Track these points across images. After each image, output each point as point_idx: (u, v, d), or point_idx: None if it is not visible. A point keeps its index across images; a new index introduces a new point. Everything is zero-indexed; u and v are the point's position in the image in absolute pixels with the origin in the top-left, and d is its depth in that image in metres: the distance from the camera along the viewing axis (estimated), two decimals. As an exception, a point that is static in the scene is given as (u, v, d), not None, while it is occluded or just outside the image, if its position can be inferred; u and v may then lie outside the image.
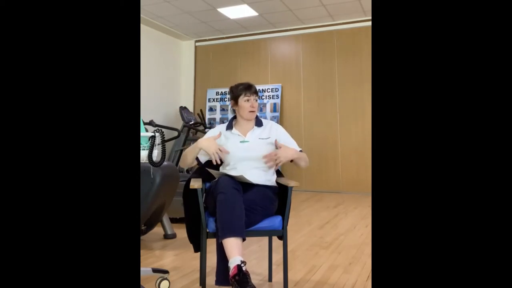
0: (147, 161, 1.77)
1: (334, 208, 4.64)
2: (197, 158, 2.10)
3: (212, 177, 2.08)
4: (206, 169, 2.09)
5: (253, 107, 2.10)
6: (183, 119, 5.94)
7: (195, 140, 5.47)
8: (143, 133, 1.81)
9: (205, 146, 2.02)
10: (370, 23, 5.91)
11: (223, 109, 6.74)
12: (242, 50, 6.80)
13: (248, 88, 2.11)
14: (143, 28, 6.25)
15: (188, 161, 2.07)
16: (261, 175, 2.04)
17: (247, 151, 2.05)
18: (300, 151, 2.10)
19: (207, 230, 1.87)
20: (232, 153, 2.05)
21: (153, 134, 1.76)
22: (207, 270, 2.30)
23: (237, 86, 2.15)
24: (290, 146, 2.08)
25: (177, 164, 5.40)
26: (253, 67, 6.69)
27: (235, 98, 2.13)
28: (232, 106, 2.17)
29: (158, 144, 1.83)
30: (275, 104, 6.39)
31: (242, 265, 1.69)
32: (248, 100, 2.10)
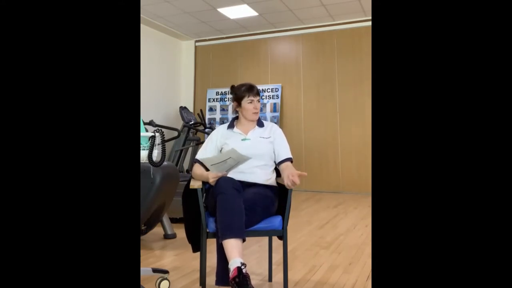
0: (147, 161, 1.77)
1: (334, 208, 4.64)
2: (202, 164, 2.10)
3: None
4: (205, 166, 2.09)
5: (256, 108, 2.12)
6: (183, 119, 5.94)
7: (195, 140, 5.48)
8: (143, 133, 1.81)
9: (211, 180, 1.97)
10: (370, 23, 5.91)
11: (223, 109, 6.74)
12: (242, 50, 6.80)
13: (251, 90, 2.11)
14: (143, 28, 6.25)
15: (199, 182, 2.05)
16: (262, 174, 2.04)
17: (248, 149, 2.05)
18: (291, 158, 2.10)
19: (207, 230, 1.87)
20: None
21: (153, 134, 1.76)
22: (207, 270, 2.30)
23: (239, 87, 2.15)
24: (284, 150, 2.10)
25: (177, 164, 5.40)
26: (253, 67, 6.69)
27: (238, 100, 2.13)
28: (235, 108, 2.17)
29: (158, 144, 1.83)
30: (275, 104, 6.39)
31: (242, 267, 1.68)
32: (251, 102, 2.11)
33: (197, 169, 2.07)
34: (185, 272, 2.38)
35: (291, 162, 2.10)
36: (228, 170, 1.99)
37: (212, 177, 1.93)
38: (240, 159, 1.93)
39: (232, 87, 2.19)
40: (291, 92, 6.40)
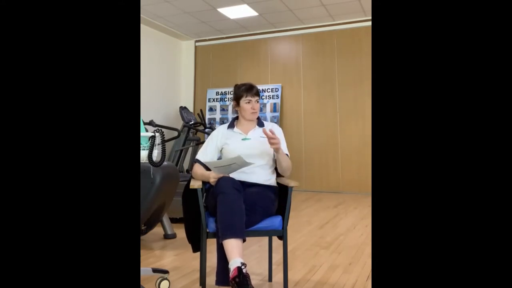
0: (147, 161, 1.77)
1: (334, 208, 4.64)
2: (202, 163, 2.10)
3: None
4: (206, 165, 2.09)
5: (254, 108, 2.11)
6: (183, 119, 5.94)
7: (195, 140, 5.48)
8: (143, 133, 1.81)
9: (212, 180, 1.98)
10: (370, 23, 5.91)
11: (223, 109, 6.74)
12: (242, 50, 6.80)
13: (250, 90, 2.11)
14: (143, 28, 6.25)
15: (199, 182, 2.04)
16: (262, 174, 2.04)
17: (248, 149, 2.05)
18: (288, 155, 2.11)
19: (207, 230, 1.87)
20: (234, 151, 2.06)
21: (153, 134, 1.76)
22: (207, 270, 2.30)
23: (239, 87, 2.16)
24: (282, 146, 2.11)
25: (177, 164, 5.40)
26: (253, 67, 6.69)
27: (236, 99, 2.13)
28: (234, 107, 2.18)
29: (158, 144, 1.83)
30: (275, 104, 6.39)
31: (242, 267, 1.68)
32: (249, 102, 2.11)
33: (198, 169, 2.08)
34: (185, 272, 2.38)
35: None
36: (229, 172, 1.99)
37: (213, 176, 1.94)
38: (244, 165, 1.92)
39: (235, 86, 2.20)
40: (291, 92, 6.40)
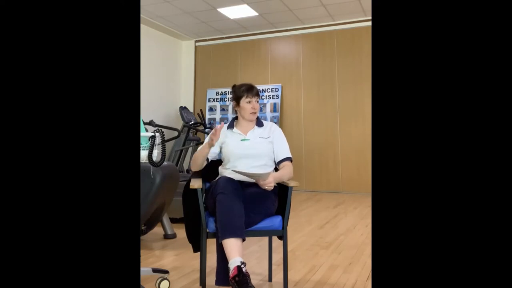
0: (147, 161, 1.77)
1: (334, 208, 4.64)
2: (207, 159, 2.10)
3: (211, 176, 2.10)
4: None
5: (254, 108, 2.12)
6: (183, 119, 5.94)
7: (195, 140, 5.49)
8: (143, 133, 1.81)
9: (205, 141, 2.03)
10: (370, 23, 5.91)
11: (223, 109, 6.74)
12: (242, 50, 6.80)
13: (250, 90, 2.12)
14: (143, 28, 6.25)
15: (199, 161, 2.05)
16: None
17: (247, 149, 2.06)
18: (290, 158, 2.12)
19: (207, 230, 1.88)
20: (232, 151, 2.06)
21: (153, 134, 1.76)
22: (207, 270, 2.30)
23: (239, 86, 2.16)
24: (283, 149, 2.12)
25: (177, 164, 5.40)
26: (253, 67, 6.69)
27: (237, 99, 2.14)
28: (234, 107, 2.18)
29: (158, 144, 1.83)
30: (275, 104, 6.39)
31: (242, 266, 1.69)
32: (249, 102, 2.11)
33: (196, 152, 2.07)
34: (185, 272, 2.38)
35: (291, 161, 2.11)
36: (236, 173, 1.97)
37: (210, 137, 1.92)
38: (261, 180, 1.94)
39: (233, 86, 2.21)
40: (291, 92, 6.40)
